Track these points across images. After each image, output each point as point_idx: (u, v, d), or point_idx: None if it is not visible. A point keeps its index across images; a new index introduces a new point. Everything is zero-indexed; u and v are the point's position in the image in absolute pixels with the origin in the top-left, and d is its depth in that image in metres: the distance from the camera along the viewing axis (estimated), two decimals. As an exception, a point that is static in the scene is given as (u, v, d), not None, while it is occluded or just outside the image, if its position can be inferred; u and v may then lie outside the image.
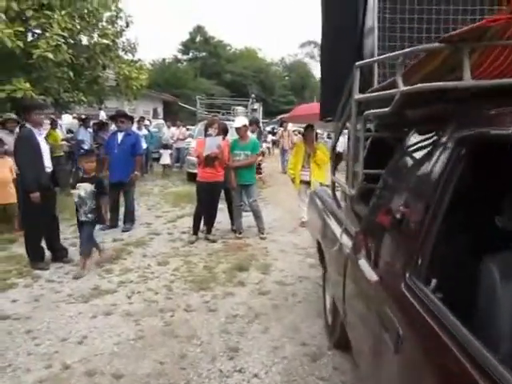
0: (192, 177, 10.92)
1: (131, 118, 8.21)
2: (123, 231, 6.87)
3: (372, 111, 2.02)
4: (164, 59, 48.75)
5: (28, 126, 5.20)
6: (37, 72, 7.77)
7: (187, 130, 16.09)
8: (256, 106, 20.13)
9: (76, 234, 6.56)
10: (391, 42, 2.48)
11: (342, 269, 2.47)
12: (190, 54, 55.38)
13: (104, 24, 9.82)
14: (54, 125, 10.15)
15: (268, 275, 5.09)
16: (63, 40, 7.68)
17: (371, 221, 2.14)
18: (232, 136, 7.16)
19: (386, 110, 1.78)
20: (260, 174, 10.91)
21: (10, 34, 6.66)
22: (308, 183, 7.32)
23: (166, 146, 14.34)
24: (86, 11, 8.82)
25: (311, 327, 3.79)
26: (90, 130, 11.51)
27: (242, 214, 6.95)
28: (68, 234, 6.58)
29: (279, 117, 35.30)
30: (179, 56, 54.77)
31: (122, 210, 7.21)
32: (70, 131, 11.68)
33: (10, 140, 6.40)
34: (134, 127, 10.75)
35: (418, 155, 1.85)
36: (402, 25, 2.55)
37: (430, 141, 1.78)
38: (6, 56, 7.08)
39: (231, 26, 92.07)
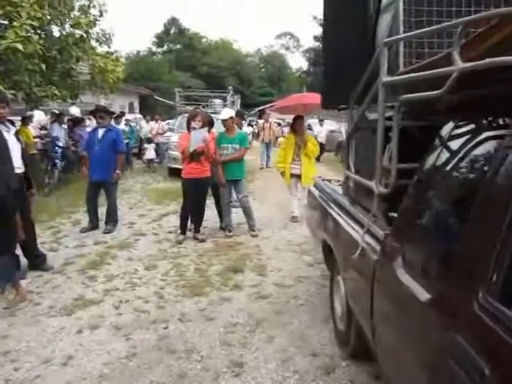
0: (174, 172, 10.53)
1: (111, 113, 7.76)
2: (105, 233, 6.44)
3: (414, 95, 1.70)
4: (138, 52, 47.78)
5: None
6: (5, 65, 7.24)
7: (167, 124, 15.61)
8: (234, 98, 19.68)
9: (55, 238, 6.15)
10: (418, 17, 2.17)
11: (366, 278, 2.17)
12: (165, 47, 54.52)
13: (76, 13, 9.29)
14: (25, 121, 9.58)
15: (265, 276, 4.77)
16: (33, 30, 7.17)
17: (411, 223, 1.83)
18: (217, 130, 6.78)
19: (437, 92, 1.47)
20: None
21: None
22: (299, 176, 7.02)
23: (150, 141, 13.89)
24: (56, -1, 8.28)
25: (319, 334, 3.49)
26: (65, 126, 10.96)
27: (232, 210, 6.61)
28: (46, 237, 6.13)
29: (257, 109, 35.00)
30: (154, 49, 53.85)
31: (102, 210, 6.77)
32: (43, 128, 11.08)
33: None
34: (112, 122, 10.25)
35: (477, 147, 1.54)
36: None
37: (492, 132, 1.47)
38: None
39: (206, 17, 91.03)
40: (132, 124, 14.82)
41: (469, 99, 1.70)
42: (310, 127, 16.48)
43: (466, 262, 1.40)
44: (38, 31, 8.15)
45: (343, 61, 2.94)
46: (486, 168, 1.42)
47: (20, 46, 6.81)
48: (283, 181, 7.38)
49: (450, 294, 1.43)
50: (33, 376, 2.95)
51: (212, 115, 7.36)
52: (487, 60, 1.30)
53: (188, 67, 48.36)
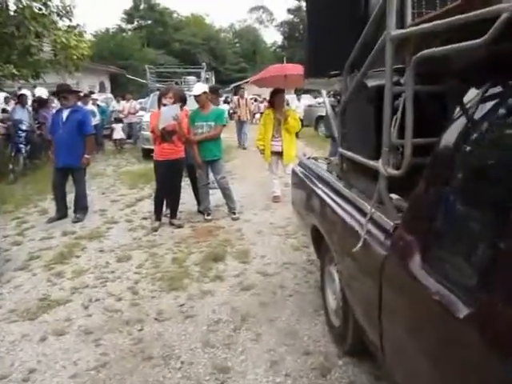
0: (147, 153, 10.00)
1: (76, 93, 7.18)
2: (74, 222, 5.96)
3: (440, 49, 1.32)
4: (108, 29, 46.03)
5: None
6: (-46, 42, 6.59)
7: (139, 103, 14.97)
8: (208, 74, 19.02)
9: (20, 230, 5.67)
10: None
11: (372, 276, 1.83)
12: (135, 23, 52.82)
13: (33, -16, 8.55)
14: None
15: (248, 264, 4.42)
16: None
17: (432, 213, 1.47)
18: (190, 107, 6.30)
19: (478, 41, 1.09)
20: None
21: None
22: (280, 154, 6.64)
23: (118, 120, 13.35)
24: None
25: (311, 329, 3.17)
26: (30, 108, 10.27)
27: (209, 192, 6.21)
28: (10, 230, 5.65)
29: (233, 85, 34.17)
30: (123, 25, 52.01)
31: (70, 197, 6.28)
32: (4, 111, 10.34)
33: None
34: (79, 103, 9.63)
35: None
36: None
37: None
38: None
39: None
40: (102, 104, 14.14)
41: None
42: (287, 103, 16.00)
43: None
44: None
45: (331, 20, 2.53)
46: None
47: (-30, 21, 6.19)
48: (263, 159, 6.99)
49: (488, 303, 1.10)
50: (-14, 397, 2.57)
51: (186, 93, 6.87)
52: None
53: (161, 44, 46.98)
